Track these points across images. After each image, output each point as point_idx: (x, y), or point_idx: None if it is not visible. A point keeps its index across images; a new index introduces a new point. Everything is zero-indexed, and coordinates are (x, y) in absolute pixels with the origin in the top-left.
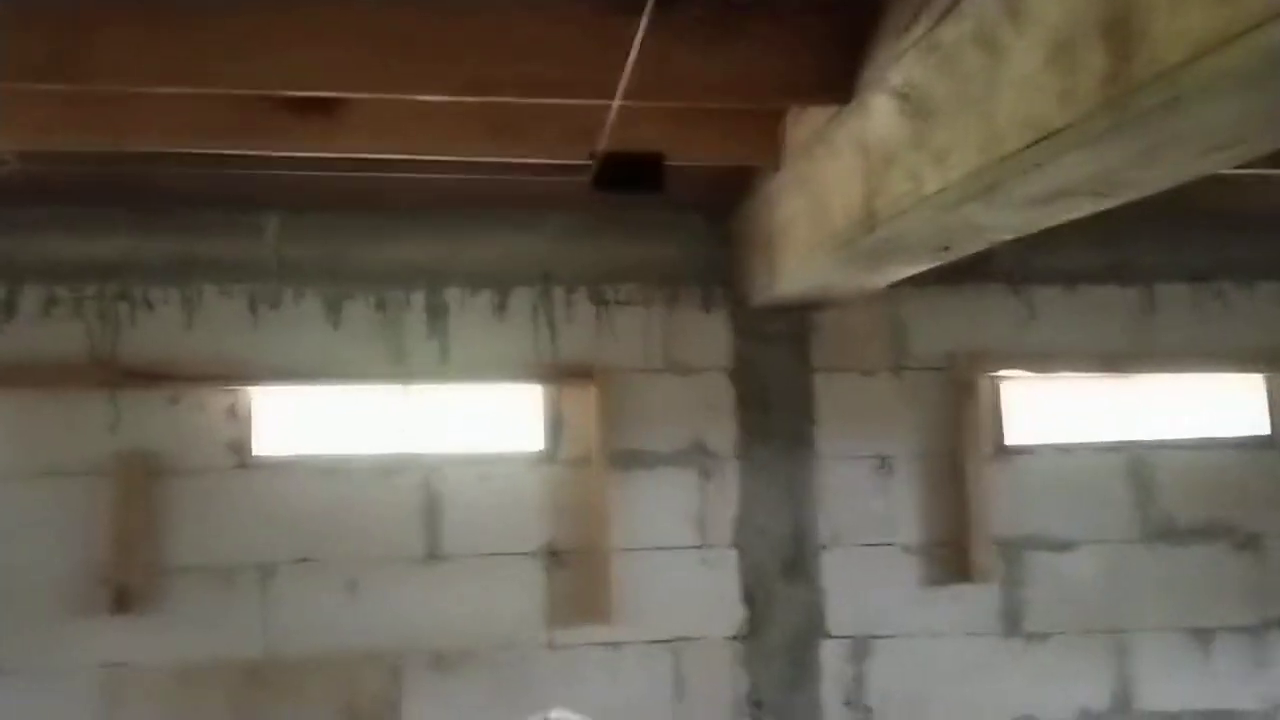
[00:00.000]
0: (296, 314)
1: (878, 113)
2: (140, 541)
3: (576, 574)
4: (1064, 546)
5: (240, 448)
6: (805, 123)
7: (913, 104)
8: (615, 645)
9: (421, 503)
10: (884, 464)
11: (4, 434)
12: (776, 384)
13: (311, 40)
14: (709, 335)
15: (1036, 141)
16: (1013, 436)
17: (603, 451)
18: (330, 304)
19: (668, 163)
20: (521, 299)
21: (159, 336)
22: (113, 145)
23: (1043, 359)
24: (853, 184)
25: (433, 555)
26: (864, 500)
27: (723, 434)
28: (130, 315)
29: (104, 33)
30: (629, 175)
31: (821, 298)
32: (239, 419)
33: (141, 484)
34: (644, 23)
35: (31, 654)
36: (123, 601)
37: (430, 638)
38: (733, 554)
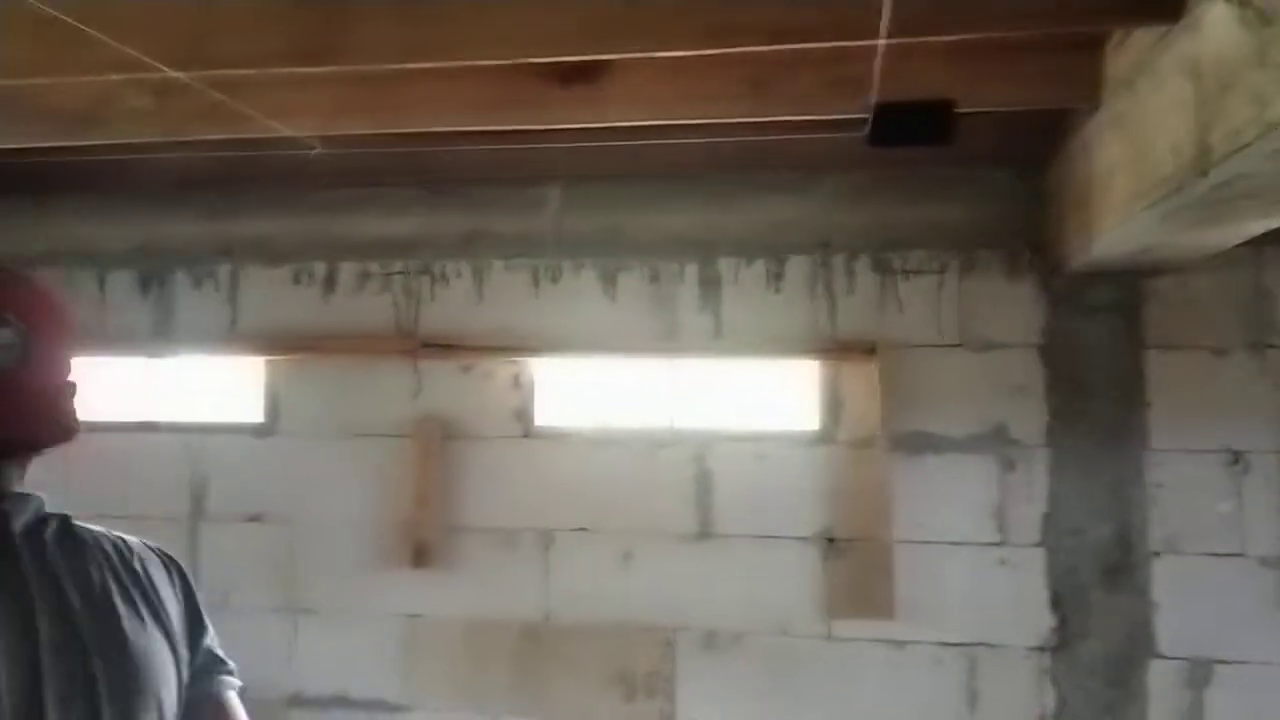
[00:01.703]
0: (575, 287)
1: (1212, 26)
2: (437, 501)
3: (855, 564)
4: None
5: (524, 417)
6: (1127, 52)
7: (1255, 9)
8: (900, 644)
9: (693, 479)
10: (1236, 460)
11: (324, 396)
12: (1098, 363)
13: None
14: (1014, 306)
15: None
16: None
17: (885, 434)
18: (606, 276)
19: (957, 110)
20: (798, 269)
21: (453, 309)
22: (392, 126)
23: None
24: (1181, 117)
25: (704, 533)
26: (1208, 502)
27: (1029, 419)
28: (430, 289)
29: (363, 12)
30: (910, 127)
31: (1153, 261)
32: (523, 389)
33: (438, 448)
34: None
35: (341, 599)
36: (421, 557)
37: (702, 616)
38: (1039, 554)
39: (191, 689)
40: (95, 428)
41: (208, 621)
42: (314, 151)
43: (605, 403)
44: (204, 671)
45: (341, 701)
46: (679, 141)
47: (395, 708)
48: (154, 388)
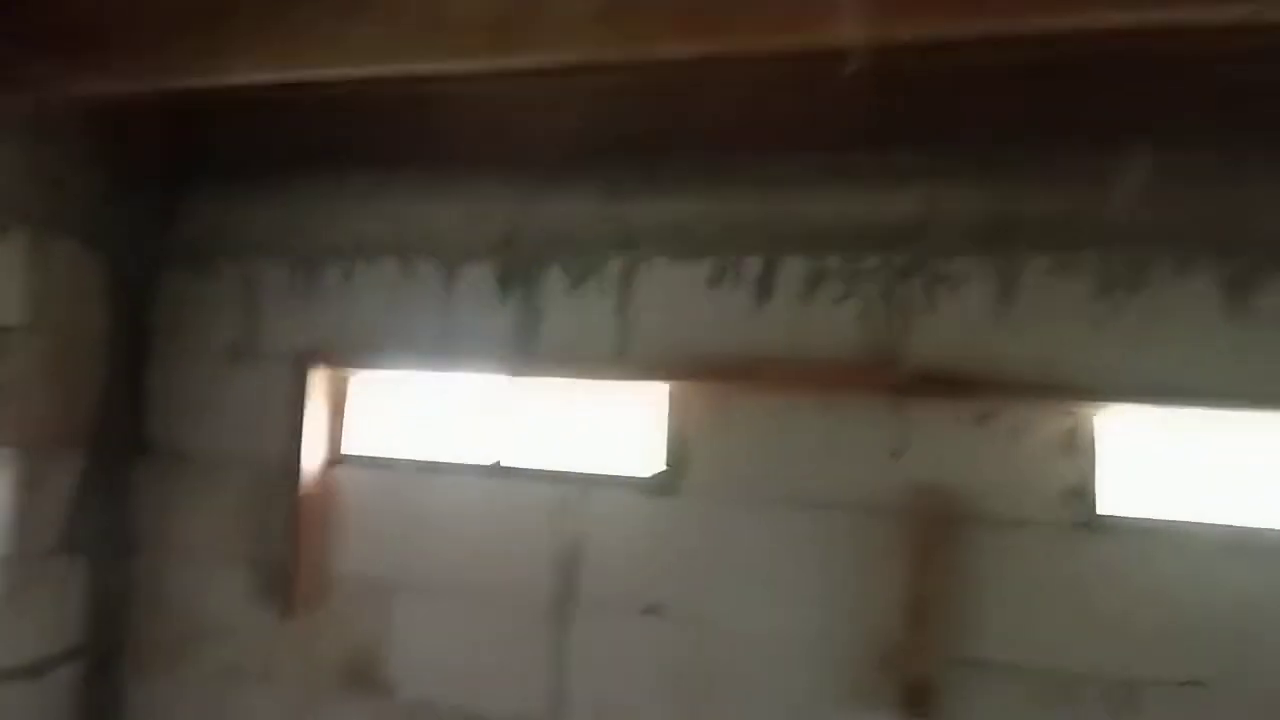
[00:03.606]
0: (1172, 298)
1: None
2: (938, 618)
3: None
4: None
5: (1080, 497)
6: None
7: None
8: None
9: None
10: None
11: (753, 445)
12: None
13: None
14: None
15: None
16: None
17: None
18: (1231, 281)
19: None
20: None
21: (962, 327)
22: (1003, 27)
23: None
24: None
25: None
26: None
27: None
28: (924, 297)
29: None
30: None
31: None
32: (1080, 454)
33: (938, 534)
34: None
35: None
36: (915, 699)
37: None
38: None
39: None
40: (430, 469)
41: None
42: (853, 62)
43: (1227, 483)
44: None
45: None
46: None
47: None
48: (512, 420)
